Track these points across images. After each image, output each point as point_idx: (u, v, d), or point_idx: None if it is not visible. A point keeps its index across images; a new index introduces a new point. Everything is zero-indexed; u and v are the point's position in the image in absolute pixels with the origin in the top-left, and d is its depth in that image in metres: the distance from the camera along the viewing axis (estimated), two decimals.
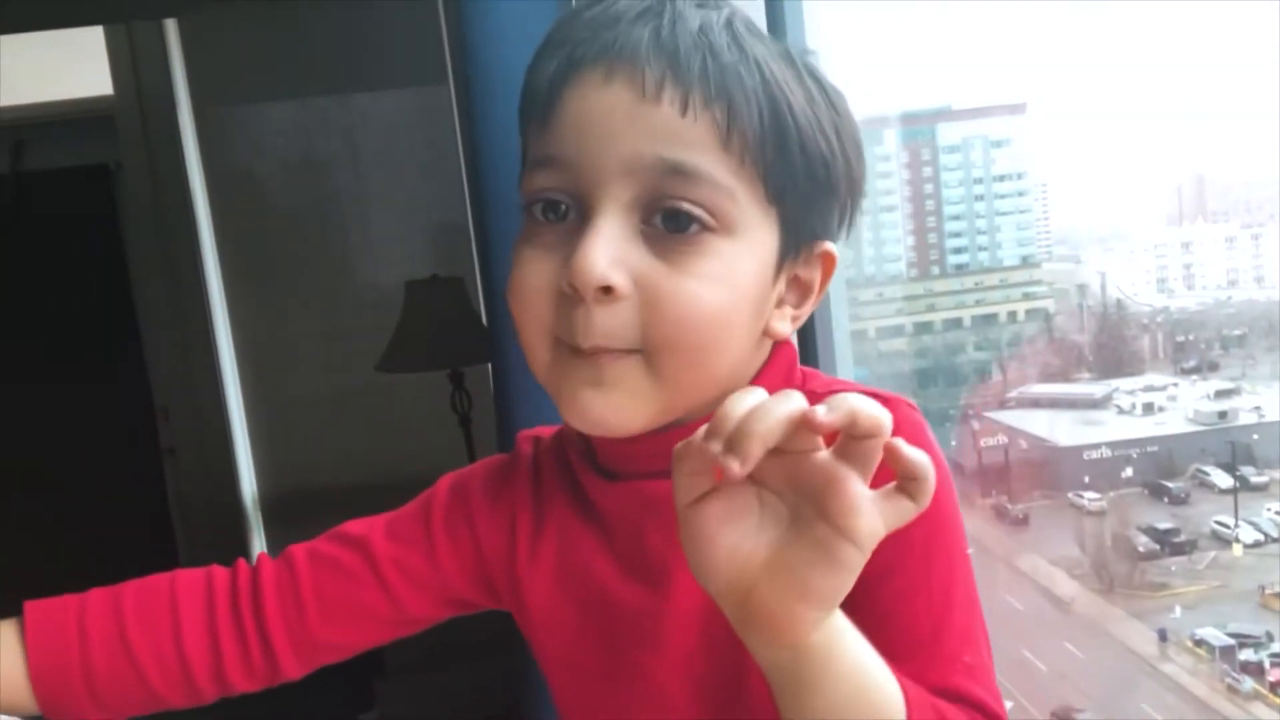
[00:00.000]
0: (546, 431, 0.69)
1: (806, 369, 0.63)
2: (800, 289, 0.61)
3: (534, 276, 0.55)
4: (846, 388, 0.60)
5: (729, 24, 0.54)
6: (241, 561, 0.67)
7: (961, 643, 0.55)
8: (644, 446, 0.57)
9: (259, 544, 2.52)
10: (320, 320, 2.50)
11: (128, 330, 2.83)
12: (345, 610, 0.64)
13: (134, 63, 2.41)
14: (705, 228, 0.53)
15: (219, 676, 0.63)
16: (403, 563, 0.64)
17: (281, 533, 2.51)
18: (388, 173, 2.53)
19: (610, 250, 0.52)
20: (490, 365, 0.91)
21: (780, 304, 0.59)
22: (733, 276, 0.54)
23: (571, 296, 0.52)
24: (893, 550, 0.52)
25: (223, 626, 0.63)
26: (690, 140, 0.52)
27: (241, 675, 0.63)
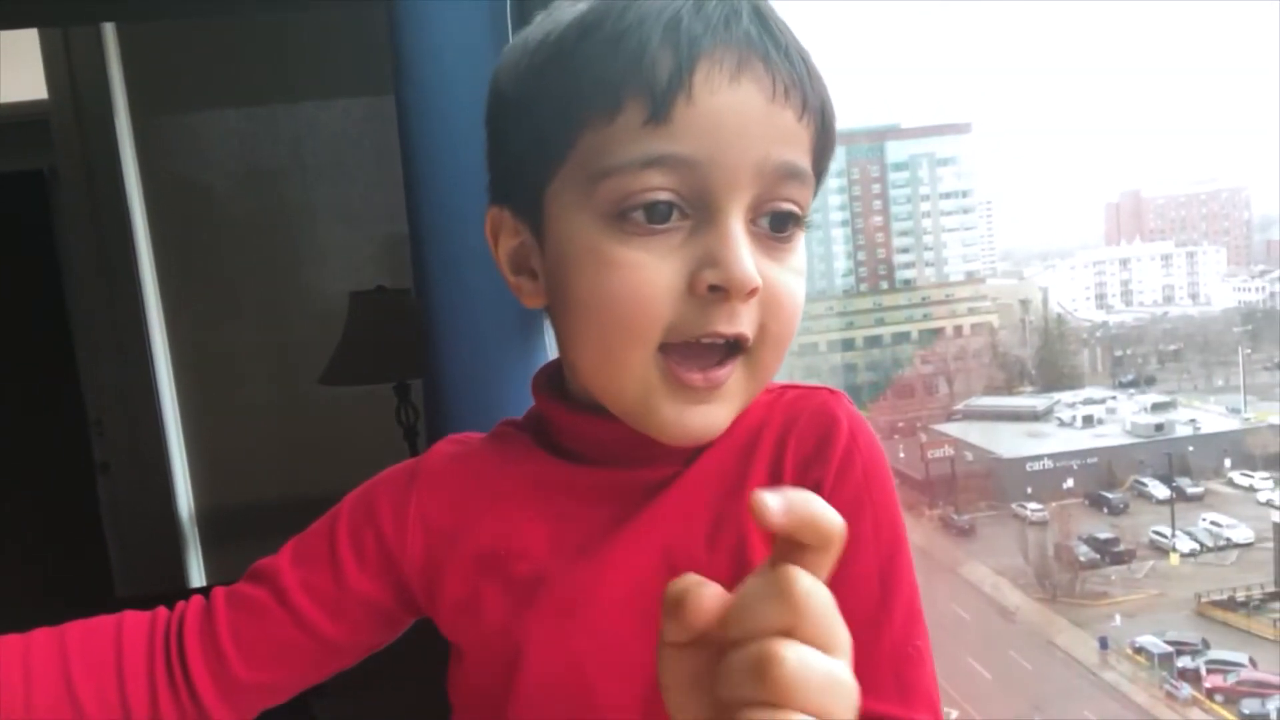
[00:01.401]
0: (472, 436, 0.68)
1: None
2: None
3: (651, 280, 0.52)
4: (791, 385, 0.63)
5: (775, 13, 0.55)
6: (179, 605, 0.65)
7: (910, 624, 0.56)
8: (605, 432, 0.58)
9: (196, 562, 2.45)
10: (262, 332, 2.46)
11: (61, 340, 2.75)
12: (264, 650, 0.62)
13: (70, 67, 2.35)
14: (799, 225, 0.56)
15: None
16: (311, 586, 0.63)
17: (220, 550, 2.45)
18: (334, 183, 2.50)
19: (749, 253, 0.52)
20: (424, 379, 0.90)
21: None
22: (805, 266, 0.58)
23: (703, 299, 0.52)
24: (856, 521, 0.55)
25: (159, 672, 0.61)
26: (801, 143, 0.54)
27: None
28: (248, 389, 2.46)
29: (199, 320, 2.46)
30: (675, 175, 0.51)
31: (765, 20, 0.53)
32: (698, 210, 0.52)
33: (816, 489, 0.54)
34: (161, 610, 0.65)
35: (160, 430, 2.39)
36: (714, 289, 0.51)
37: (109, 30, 2.34)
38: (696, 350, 0.53)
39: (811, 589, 0.35)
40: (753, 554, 0.57)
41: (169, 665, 0.61)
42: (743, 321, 0.53)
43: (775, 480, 0.59)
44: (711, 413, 0.55)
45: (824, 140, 0.56)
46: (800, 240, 0.57)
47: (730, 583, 0.54)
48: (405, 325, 2.07)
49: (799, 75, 0.53)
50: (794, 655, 0.34)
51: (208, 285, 2.47)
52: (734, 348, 0.54)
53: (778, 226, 0.55)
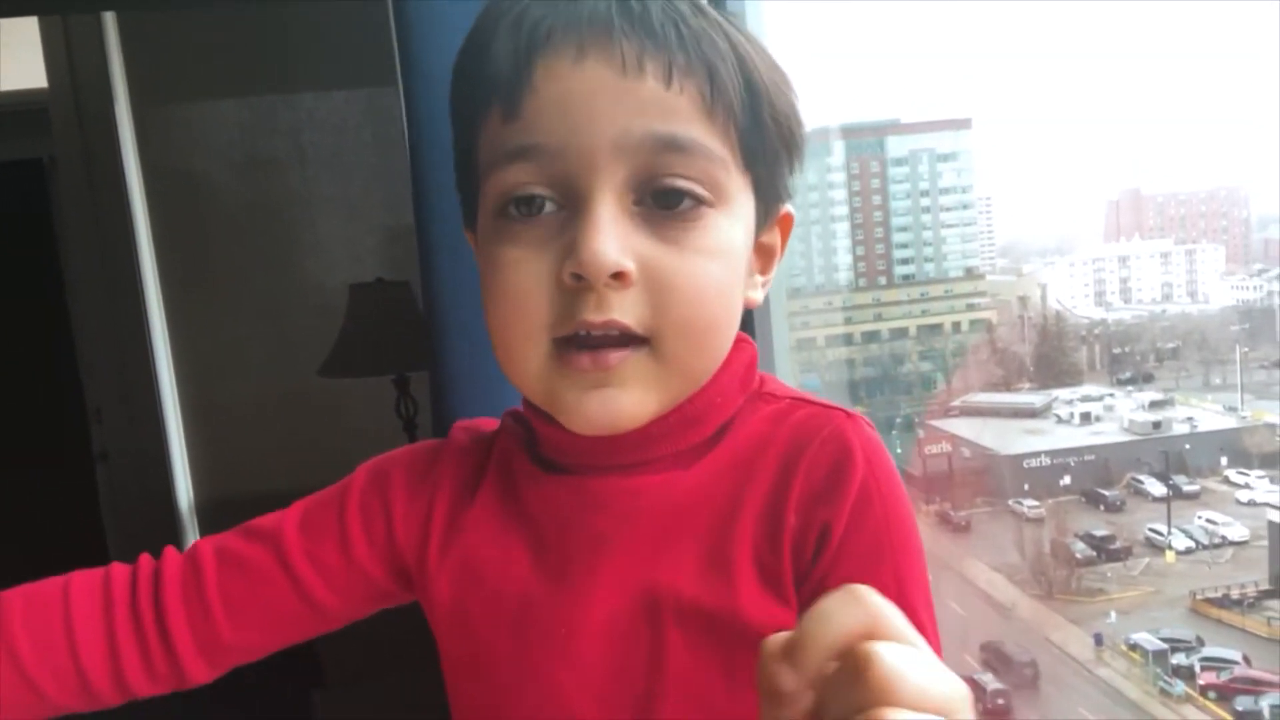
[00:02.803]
0: (487, 424, 0.67)
1: (763, 374, 0.61)
2: (766, 253, 0.60)
3: (526, 275, 0.51)
4: (803, 399, 0.59)
5: None
6: (144, 558, 0.63)
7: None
8: (584, 440, 0.55)
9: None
10: (261, 323, 2.45)
11: (61, 330, 2.74)
12: (255, 611, 0.60)
13: (69, 56, 2.34)
14: (701, 201, 0.51)
15: (118, 681, 0.59)
16: (315, 556, 0.61)
17: None
18: (334, 174, 2.49)
19: (616, 235, 0.49)
20: (429, 371, 0.90)
21: (750, 272, 0.58)
22: (729, 249, 0.53)
23: (573, 290, 0.50)
24: (876, 568, 0.52)
25: (120, 628, 0.59)
26: (678, 111, 0.50)
27: (143, 679, 0.59)
28: (247, 380, 2.46)
29: (198, 310, 2.45)
30: (537, 166, 0.50)
31: None
32: (568, 198, 0.51)
33: (825, 532, 0.53)
34: (117, 567, 0.62)
35: (159, 420, 2.38)
36: (576, 277, 0.49)
37: (109, 19, 2.32)
38: (591, 342, 0.51)
39: (885, 609, 0.34)
40: (744, 589, 0.54)
41: (136, 618, 0.59)
42: (615, 309, 0.50)
43: (775, 515, 0.54)
44: (613, 397, 0.51)
45: (724, 101, 0.51)
46: (711, 218, 0.52)
47: (722, 617, 0.53)
48: (405, 318, 2.07)
49: (662, 41, 0.49)
50: (887, 651, 0.31)
51: (207, 276, 2.46)
52: (628, 339, 0.51)
53: (665, 203, 0.51)
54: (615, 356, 0.51)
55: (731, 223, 0.53)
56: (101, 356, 2.44)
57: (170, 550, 0.63)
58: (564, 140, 0.50)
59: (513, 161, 0.51)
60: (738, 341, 0.58)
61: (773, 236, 0.60)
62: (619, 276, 0.49)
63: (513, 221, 0.52)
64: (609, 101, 0.49)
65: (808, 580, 0.54)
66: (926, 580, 0.55)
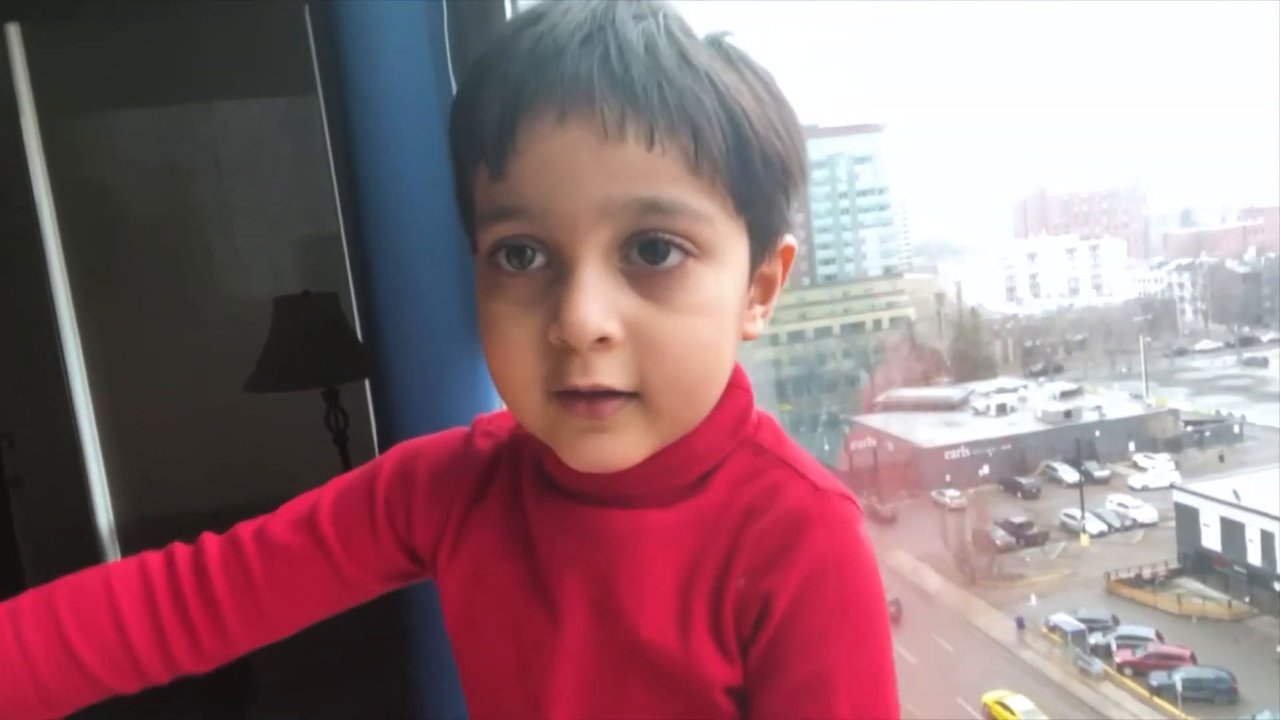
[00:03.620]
0: (504, 419, 0.68)
1: (763, 415, 0.62)
2: (765, 285, 0.61)
3: (516, 333, 0.52)
4: (792, 457, 0.60)
5: (670, 35, 0.51)
6: (177, 545, 0.66)
7: None
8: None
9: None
10: (180, 338, 2.39)
11: None
12: (298, 591, 0.65)
13: None
14: (688, 254, 0.52)
15: (168, 661, 0.63)
16: (347, 538, 0.65)
17: None
18: (253, 184, 2.44)
19: (600, 300, 0.50)
20: (368, 381, 0.90)
21: (750, 304, 0.59)
22: (719, 303, 0.54)
23: (561, 349, 0.51)
24: (822, 652, 0.54)
25: (165, 613, 0.62)
26: (660, 174, 0.50)
27: (191, 659, 0.63)
28: (167, 397, 2.39)
29: (114, 327, 2.38)
30: (522, 225, 0.52)
31: (606, 47, 0.50)
32: (555, 255, 0.52)
33: (766, 603, 0.54)
34: (148, 554, 0.65)
35: (76, 442, 2.30)
36: (562, 341, 0.50)
37: (13, 30, 2.25)
38: (585, 395, 0.52)
39: None
40: (695, 640, 0.56)
41: (179, 602, 0.63)
42: (601, 372, 0.51)
43: (725, 574, 0.56)
44: (608, 442, 0.53)
45: (709, 158, 0.51)
46: (698, 273, 0.52)
47: (671, 664, 0.55)
48: (333, 330, 2.04)
49: (644, 104, 0.49)
50: None
51: (122, 291, 2.39)
52: (619, 393, 0.52)
53: (651, 259, 0.51)
54: (609, 407, 0.52)
55: (720, 274, 0.53)
56: (11, 378, 2.35)
57: (208, 536, 0.66)
58: (546, 204, 0.50)
59: (500, 219, 0.52)
60: (732, 387, 0.59)
61: (773, 267, 0.60)
62: (603, 340, 0.50)
63: (504, 274, 0.53)
64: (591, 165, 0.50)
65: (752, 649, 0.55)
66: (889, 670, 0.55)
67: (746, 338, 0.59)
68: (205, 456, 2.32)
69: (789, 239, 0.60)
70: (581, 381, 0.51)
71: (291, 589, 0.64)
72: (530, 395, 0.53)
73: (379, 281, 0.81)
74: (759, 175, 0.53)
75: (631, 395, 0.52)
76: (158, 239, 2.40)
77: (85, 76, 2.33)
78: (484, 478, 0.65)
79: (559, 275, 0.51)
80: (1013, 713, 10.86)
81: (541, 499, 0.61)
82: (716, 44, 0.54)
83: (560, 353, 0.51)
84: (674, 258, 0.51)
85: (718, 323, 0.54)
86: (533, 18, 0.52)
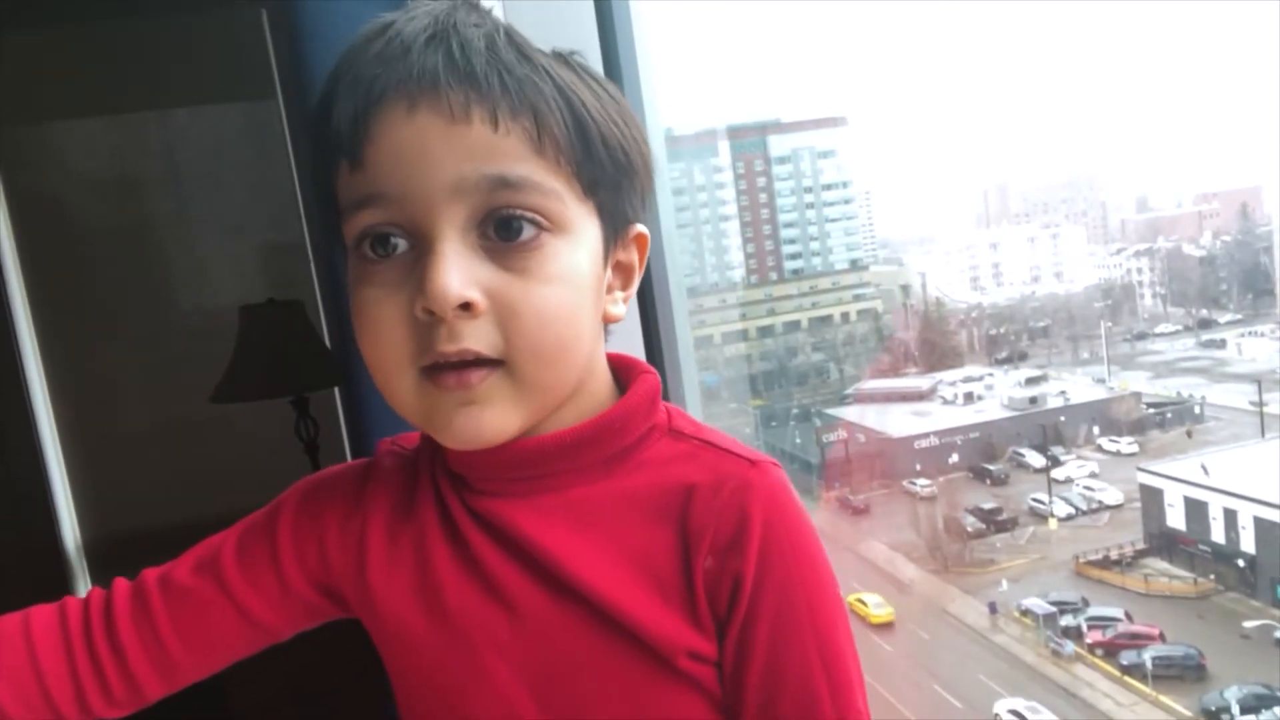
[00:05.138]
0: (409, 439, 0.69)
1: (671, 407, 0.65)
2: (623, 272, 0.65)
3: (386, 314, 0.56)
4: (715, 438, 0.63)
5: (509, 37, 0.57)
6: (95, 591, 0.67)
7: (854, 698, 0.60)
8: (488, 456, 0.59)
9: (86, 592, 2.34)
10: (145, 350, 2.35)
11: None
12: (203, 634, 0.65)
13: None
14: (541, 229, 0.56)
15: (84, 709, 0.64)
16: (252, 579, 0.65)
17: (111, 580, 2.34)
18: (212, 193, 2.41)
19: (460, 270, 0.54)
20: (338, 388, 0.89)
21: (610, 290, 0.63)
22: (574, 273, 0.58)
23: (428, 323, 0.54)
24: (781, 627, 0.58)
25: (80, 660, 0.63)
26: (507, 152, 0.55)
27: (103, 705, 0.64)
28: (132, 410, 2.36)
29: (74, 341, 2.34)
30: (383, 211, 0.55)
31: (448, 41, 0.55)
32: (416, 238, 0.56)
33: (738, 582, 0.58)
34: (71, 601, 0.66)
35: (39, 459, 2.26)
36: (427, 312, 0.54)
37: None
38: (453, 365, 0.55)
39: None
40: (647, 607, 0.58)
41: (92, 651, 0.64)
42: (467, 338, 0.54)
43: (689, 553, 0.59)
44: (477, 413, 0.56)
45: (551, 138, 0.56)
46: (552, 245, 0.56)
47: (631, 628, 0.57)
48: (300, 337, 2.02)
49: (486, 90, 0.54)
50: None
51: (81, 304, 2.35)
52: (486, 360, 0.56)
53: (506, 234, 0.55)
54: (477, 376, 0.56)
55: (574, 248, 0.58)
56: None
57: (120, 582, 0.67)
58: (404, 186, 0.55)
59: (362, 208, 0.56)
60: (641, 372, 0.64)
61: (629, 255, 0.64)
62: (466, 307, 0.54)
63: (370, 262, 0.57)
64: (441, 147, 0.54)
65: (729, 629, 0.59)
66: (839, 605, 0.60)
67: (609, 320, 0.63)
68: (174, 470, 2.29)
69: (641, 227, 0.64)
70: (449, 347, 0.54)
71: (198, 634, 0.64)
72: (402, 375, 0.56)
73: (343, 286, 0.80)
74: (602, 159, 0.58)
75: (497, 364, 0.56)
76: (117, 250, 2.36)
77: (37, 87, 2.28)
78: (401, 492, 0.66)
79: (421, 254, 0.55)
80: (865, 605, 12.61)
81: (465, 500, 0.62)
82: (558, 55, 0.60)
83: (427, 327, 0.55)
84: (528, 232, 0.56)
85: (574, 292, 0.58)
86: (380, 28, 0.57)
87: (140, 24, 2.25)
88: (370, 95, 0.54)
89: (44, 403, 2.30)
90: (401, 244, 0.56)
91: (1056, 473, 15.26)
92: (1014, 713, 11.03)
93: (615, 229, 0.62)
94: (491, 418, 0.56)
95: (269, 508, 0.68)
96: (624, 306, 0.65)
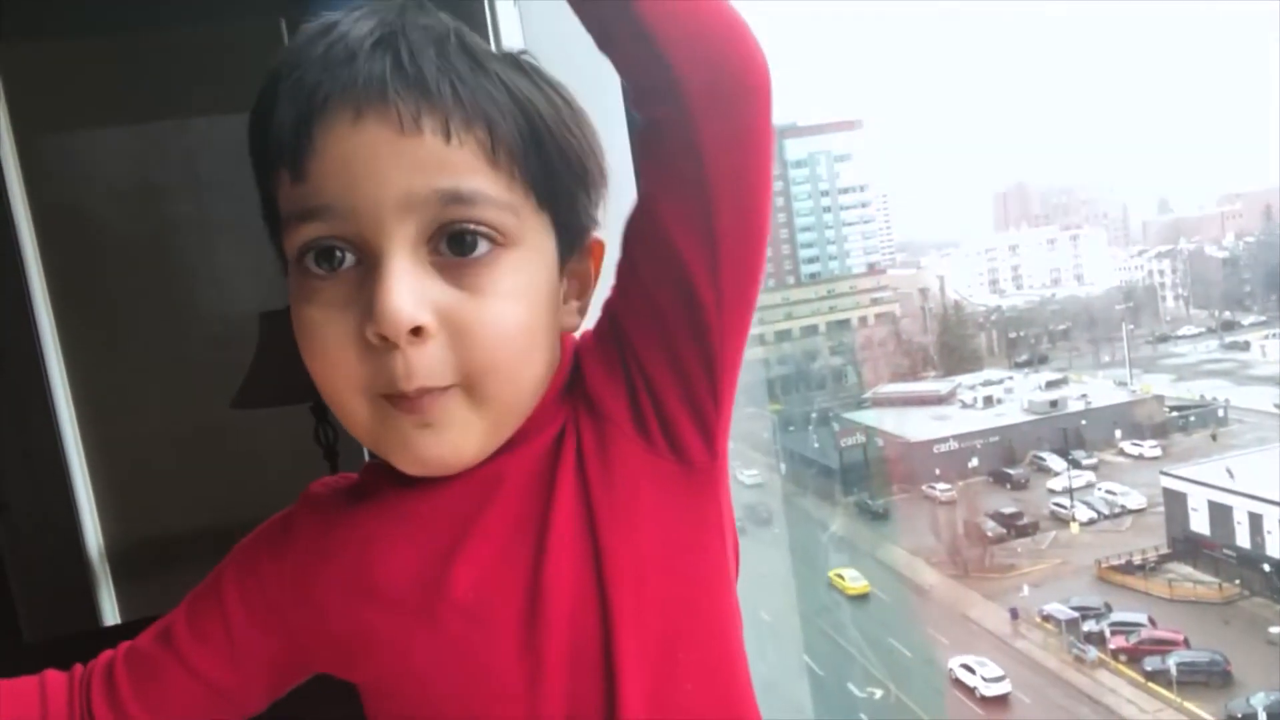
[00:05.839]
0: (346, 478, 0.67)
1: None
2: (580, 280, 0.63)
3: (333, 336, 0.53)
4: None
5: (460, 41, 0.54)
6: (77, 669, 0.65)
7: None
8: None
9: (109, 601, 2.36)
10: (166, 357, 2.37)
11: None
12: (172, 707, 0.63)
13: None
14: (495, 243, 0.53)
15: None
16: (207, 644, 0.63)
17: (134, 586, 2.36)
18: (233, 200, 2.42)
19: (412, 290, 0.51)
20: None
21: (566, 299, 0.61)
22: (529, 288, 0.55)
23: (379, 346, 0.52)
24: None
25: None
26: (459, 165, 0.52)
27: None
28: (154, 417, 2.37)
29: (98, 349, 2.36)
30: (328, 225, 0.52)
31: (397, 50, 0.52)
32: (364, 253, 0.53)
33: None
34: (78, 668, 0.65)
35: (63, 464, 2.28)
36: (380, 337, 0.51)
37: None
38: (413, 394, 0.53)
39: None
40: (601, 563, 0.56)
41: None
42: (422, 371, 0.52)
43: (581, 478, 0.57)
44: (438, 438, 0.54)
45: (506, 149, 0.53)
46: (506, 260, 0.54)
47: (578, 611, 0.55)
48: None
49: (438, 98, 0.51)
50: None
51: (104, 311, 2.37)
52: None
53: (459, 250, 0.53)
54: (431, 399, 0.53)
55: (529, 263, 0.55)
56: None
57: (105, 655, 0.65)
58: (350, 200, 0.51)
59: (305, 221, 0.53)
60: (565, 343, 0.61)
61: (584, 265, 0.62)
62: (418, 331, 0.51)
63: (314, 278, 0.54)
64: (390, 159, 0.51)
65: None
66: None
67: (566, 330, 0.61)
68: (195, 476, 2.30)
69: (597, 235, 0.62)
70: (405, 386, 0.52)
71: (165, 705, 0.63)
72: (355, 398, 0.54)
73: None
74: (557, 169, 0.56)
75: (454, 385, 0.53)
76: (139, 257, 2.38)
77: (60, 96, 2.31)
78: (339, 520, 0.63)
79: (369, 273, 0.52)
80: (843, 578, 13.20)
81: (411, 503, 0.60)
82: (510, 57, 0.57)
83: (380, 352, 0.52)
84: (482, 247, 0.53)
85: (529, 308, 0.55)
86: (324, 29, 0.53)
87: (160, 34, 2.27)
88: (313, 103, 0.51)
89: (68, 411, 2.33)
90: (348, 258, 0.53)
91: (1052, 482, 15.19)
92: (965, 666, 11.67)
93: (571, 240, 0.59)
94: (452, 439, 0.54)
95: (211, 575, 0.65)
96: (580, 317, 0.62)
